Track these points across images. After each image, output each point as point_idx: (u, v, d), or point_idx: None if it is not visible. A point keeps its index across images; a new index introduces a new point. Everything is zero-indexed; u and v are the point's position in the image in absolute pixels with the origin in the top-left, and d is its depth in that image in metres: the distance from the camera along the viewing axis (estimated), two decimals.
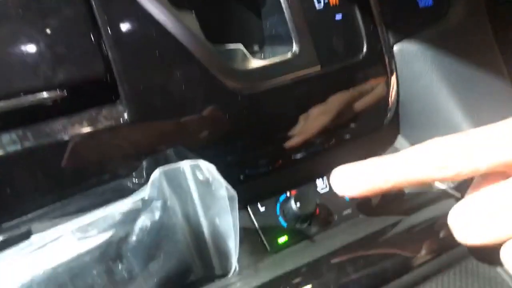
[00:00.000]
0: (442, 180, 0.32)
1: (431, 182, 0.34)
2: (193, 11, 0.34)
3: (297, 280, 0.34)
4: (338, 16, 0.38)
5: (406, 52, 0.41)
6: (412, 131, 0.44)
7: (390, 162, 0.34)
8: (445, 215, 0.39)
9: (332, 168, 0.42)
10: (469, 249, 0.35)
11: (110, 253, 0.29)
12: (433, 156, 0.32)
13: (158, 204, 0.30)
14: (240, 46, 0.35)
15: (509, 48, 0.43)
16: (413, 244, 0.37)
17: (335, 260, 0.36)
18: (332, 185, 0.36)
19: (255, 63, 0.35)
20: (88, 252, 0.28)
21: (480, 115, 0.40)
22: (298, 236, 0.38)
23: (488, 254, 0.35)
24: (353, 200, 0.40)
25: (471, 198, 0.32)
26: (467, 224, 0.32)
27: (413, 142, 0.45)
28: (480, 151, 0.31)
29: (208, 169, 0.30)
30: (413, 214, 0.40)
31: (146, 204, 0.30)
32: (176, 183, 0.31)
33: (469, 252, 0.36)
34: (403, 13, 0.41)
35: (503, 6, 0.45)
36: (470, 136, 0.32)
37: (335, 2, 0.37)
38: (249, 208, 0.38)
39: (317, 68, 0.37)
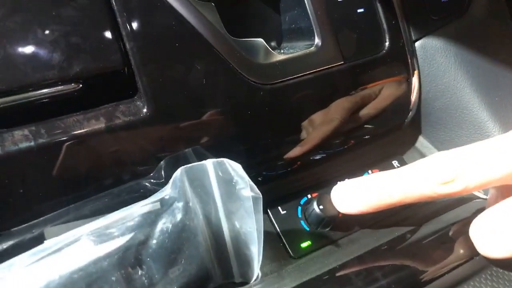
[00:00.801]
0: (449, 196, 0.30)
1: (439, 198, 0.33)
2: (213, 4, 0.32)
3: (323, 287, 0.32)
4: (360, 10, 0.36)
5: (429, 48, 0.40)
6: (434, 131, 0.43)
7: (393, 177, 0.32)
8: (472, 218, 0.38)
9: (352, 170, 0.40)
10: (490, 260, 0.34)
11: (130, 258, 0.27)
12: (439, 170, 0.30)
13: (179, 204, 0.28)
14: (261, 40, 0.34)
15: None
16: (441, 248, 0.35)
17: (361, 265, 0.34)
18: (333, 202, 0.34)
19: (277, 57, 0.33)
20: (106, 257, 0.26)
21: (505, 113, 0.39)
22: (321, 241, 0.36)
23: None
24: None
25: (492, 211, 0.31)
26: (489, 237, 0.30)
27: (434, 142, 0.43)
28: (489, 164, 0.29)
29: (233, 167, 0.29)
30: (440, 216, 0.38)
31: (166, 204, 0.28)
32: (198, 183, 0.29)
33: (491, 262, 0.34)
34: (425, 8, 0.40)
35: None
36: (476, 149, 0.30)
37: None
38: (269, 212, 0.37)
39: (340, 62, 0.35)
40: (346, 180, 0.34)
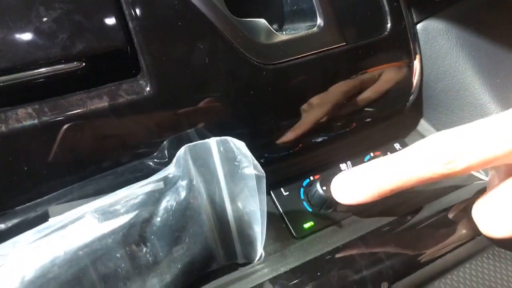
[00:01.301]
0: (450, 176, 0.30)
1: (440, 179, 0.32)
2: None
3: (326, 266, 0.32)
4: None
5: (430, 30, 0.40)
6: (435, 114, 0.43)
7: (391, 162, 0.31)
8: (472, 199, 0.38)
9: (354, 152, 0.40)
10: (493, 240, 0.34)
11: (134, 235, 0.27)
12: (439, 151, 0.29)
13: (183, 183, 0.28)
14: (263, 20, 0.34)
15: None
16: (443, 228, 0.36)
17: (364, 246, 0.34)
18: (333, 195, 0.33)
19: (280, 37, 0.33)
20: (111, 234, 0.26)
21: (508, 95, 0.39)
22: (324, 221, 0.36)
23: None
24: None
25: (494, 192, 0.31)
26: (491, 217, 0.31)
27: (436, 124, 0.43)
28: (489, 142, 0.28)
29: (237, 145, 0.29)
30: (441, 198, 0.38)
31: (170, 183, 0.28)
32: (202, 161, 0.29)
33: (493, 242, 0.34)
34: None
35: None
36: (476, 128, 0.29)
37: None
38: (272, 193, 0.37)
39: (342, 43, 0.35)
40: (344, 171, 0.33)
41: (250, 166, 0.29)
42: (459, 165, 0.29)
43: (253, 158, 0.29)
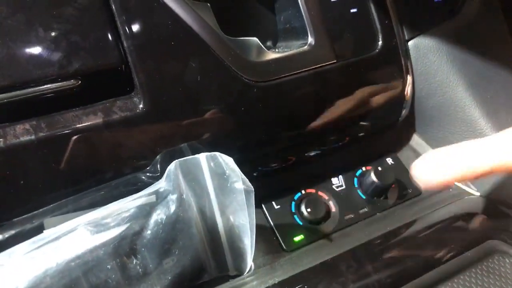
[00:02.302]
0: None
1: None
2: (209, 4, 0.34)
3: (314, 279, 0.33)
4: (353, 10, 0.37)
5: (422, 47, 0.40)
6: (428, 129, 0.43)
7: (484, 146, 0.29)
8: (462, 213, 0.38)
9: (346, 166, 0.41)
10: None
11: (125, 247, 0.28)
12: None
13: (173, 197, 0.30)
14: (255, 39, 0.35)
15: None
16: (432, 243, 0.36)
17: (353, 259, 0.34)
18: (419, 176, 0.30)
19: (271, 55, 0.34)
20: (102, 246, 0.27)
21: (497, 111, 0.39)
22: (314, 235, 0.37)
23: None
24: (369, 198, 0.39)
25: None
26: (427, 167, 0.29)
27: (428, 140, 0.44)
28: None
29: (225, 161, 0.30)
30: (430, 212, 0.39)
31: (161, 197, 0.29)
32: (192, 176, 0.30)
33: None
34: (418, 8, 0.40)
35: None
36: None
37: None
38: (263, 206, 0.37)
39: (333, 61, 0.36)
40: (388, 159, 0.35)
41: (238, 181, 0.30)
42: None
43: (241, 173, 0.30)
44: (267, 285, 0.31)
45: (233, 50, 0.33)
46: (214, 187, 0.31)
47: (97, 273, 0.27)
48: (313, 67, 0.35)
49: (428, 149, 0.44)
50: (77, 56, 0.29)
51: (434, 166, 0.30)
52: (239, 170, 0.30)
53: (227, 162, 0.30)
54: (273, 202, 0.38)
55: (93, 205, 0.30)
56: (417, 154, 0.44)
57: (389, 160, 0.43)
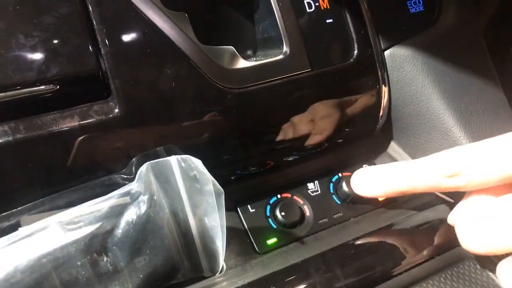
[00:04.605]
0: (454, 189, 0.33)
1: (445, 190, 0.35)
2: (186, 14, 0.35)
3: (284, 280, 0.34)
4: (329, 20, 0.39)
5: (398, 57, 0.41)
6: (404, 137, 0.44)
7: (403, 169, 0.36)
8: (435, 220, 0.39)
9: (323, 173, 0.42)
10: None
11: (96, 245, 0.29)
12: (445, 165, 0.33)
13: (144, 198, 0.31)
14: (231, 47, 0.36)
15: (499, 52, 0.43)
16: (403, 248, 0.37)
17: (323, 262, 0.35)
18: (352, 186, 0.39)
19: (246, 63, 0.36)
20: (73, 243, 0.28)
21: (471, 120, 0.40)
22: (287, 238, 0.38)
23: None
24: (344, 203, 0.40)
25: (474, 201, 0.34)
26: (473, 229, 0.31)
27: (405, 147, 0.45)
28: (490, 163, 0.31)
29: (194, 163, 0.31)
30: (403, 218, 0.39)
31: (133, 198, 0.31)
32: (164, 178, 0.31)
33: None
34: (394, 19, 0.42)
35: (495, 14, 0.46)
36: (481, 148, 0.32)
37: (326, 6, 0.38)
38: (238, 209, 0.38)
39: (308, 69, 0.37)
40: (365, 166, 0.40)
41: (208, 183, 0.31)
42: (462, 180, 0.32)
43: (211, 176, 0.31)
44: (237, 286, 0.32)
45: (208, 58, 0.34)
46: (186, 189, 0.32)
47: (68, 269, 0.28)
48: (288, 75, 0.37)
49: (405, 157, 0.44)
50: (56, 62, 0.30)
51: (363, 182, 0.38)
52: (208, 172, 0.31)
53: (197, 164, 0.31)
54: (249, 206, 0.39)
55: (69, 205, 0.31)
56: (394, 161, 0.44)
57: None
